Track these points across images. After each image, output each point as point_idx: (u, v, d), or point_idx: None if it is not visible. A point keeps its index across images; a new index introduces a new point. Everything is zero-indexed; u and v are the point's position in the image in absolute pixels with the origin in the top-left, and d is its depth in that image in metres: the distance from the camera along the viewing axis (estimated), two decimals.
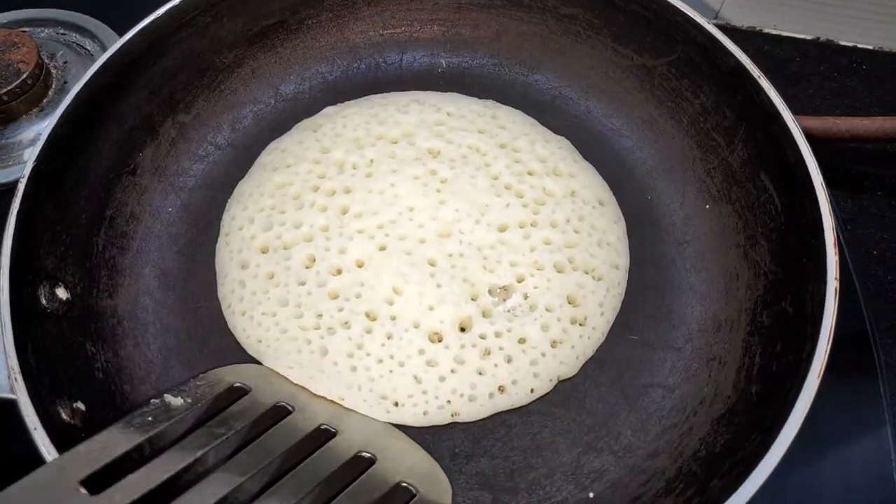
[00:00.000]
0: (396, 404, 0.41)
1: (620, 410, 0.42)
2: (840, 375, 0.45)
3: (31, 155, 0.42)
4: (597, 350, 0.44)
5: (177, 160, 0.51)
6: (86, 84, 0.45)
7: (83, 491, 0.30)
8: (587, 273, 0.45)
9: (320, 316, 0.43)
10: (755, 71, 0.45)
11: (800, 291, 0.40)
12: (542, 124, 0.53)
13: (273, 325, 0.43)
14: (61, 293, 0.42)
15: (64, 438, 0.34)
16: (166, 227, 0.48)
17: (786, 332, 0.40)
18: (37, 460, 0.32)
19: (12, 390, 0.35)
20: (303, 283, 0.44)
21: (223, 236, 0.47)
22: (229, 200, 0.49)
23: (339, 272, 0.44)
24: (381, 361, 0.42)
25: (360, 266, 0.45)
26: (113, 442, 0.32)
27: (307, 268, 0.45)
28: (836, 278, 0.37)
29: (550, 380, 0.42)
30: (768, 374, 0.39)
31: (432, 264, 0.44)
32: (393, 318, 0.43)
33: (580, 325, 0.44)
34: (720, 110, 0.48)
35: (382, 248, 0.45)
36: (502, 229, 0.46)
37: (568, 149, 0.51)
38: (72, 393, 0.38)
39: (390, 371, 0.41)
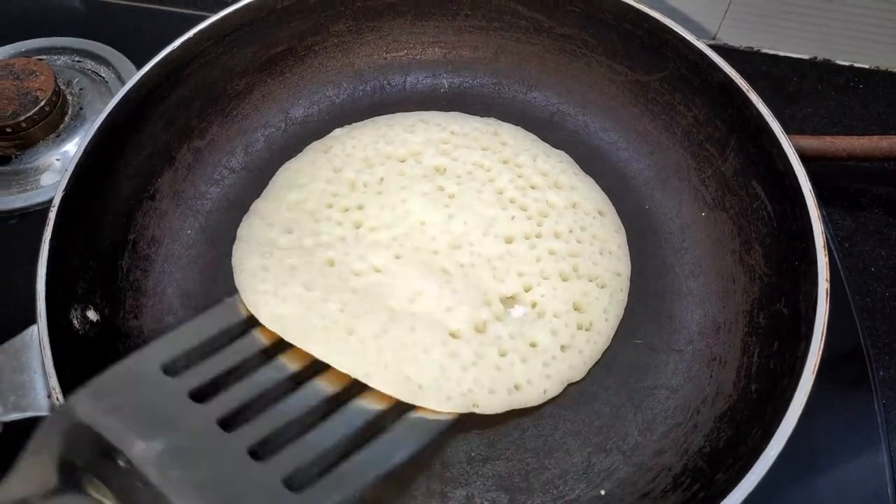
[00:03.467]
0: (421, 387, 0.40)
1: (627, 412, 0.44)
2: (835, 391, 0.47)
3: (59, 184, 0.44)
4: (603, 354, 0.45)
5: (194, 184, 0.53)
6: (107, 116, 0.47)
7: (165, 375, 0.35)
8: (591, 281, 0.47)
9: (345, 303, 0.43)
10: (743, 84, 0.47)
11: (793, 293, 0.42)
12: (542, 140, 0.55)
13: (297, 303, 0.42)
14: (92, 315, 0.44)
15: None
16: (186, 248, 0.50)
17: (782, 332, 0.42)
18: None
19: (52, 409, 0.37)
20: (325, 277, 0.45)
21: (240, 241, 0.48)
22: (244, 217, 0.50)
23: (359, 274, 0.45)
24: (406, 347, 0.42)
25: (378, 271, 0.45)
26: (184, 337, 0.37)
27: (329, 266, 0.45)
28: (826, 279, 0.39)
29: (561, 382, 0.44)
30: (766, 372, 0.41)
31: (446, 273, 0.45)
32: (413, 314, 0.43)
33: (586, 330, 0.45)
34: (712, 122, 0.51)
35: (398, 257, 0.46)
36: (509, 241, 0.48)
37: (568, 162, 0.53)
38: None
39: (416, 356, 0.41)
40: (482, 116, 0.56)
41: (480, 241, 0.47)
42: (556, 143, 0.55)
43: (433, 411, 0.40)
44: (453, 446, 0.43)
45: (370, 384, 0.39)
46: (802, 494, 0.44)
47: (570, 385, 0.44)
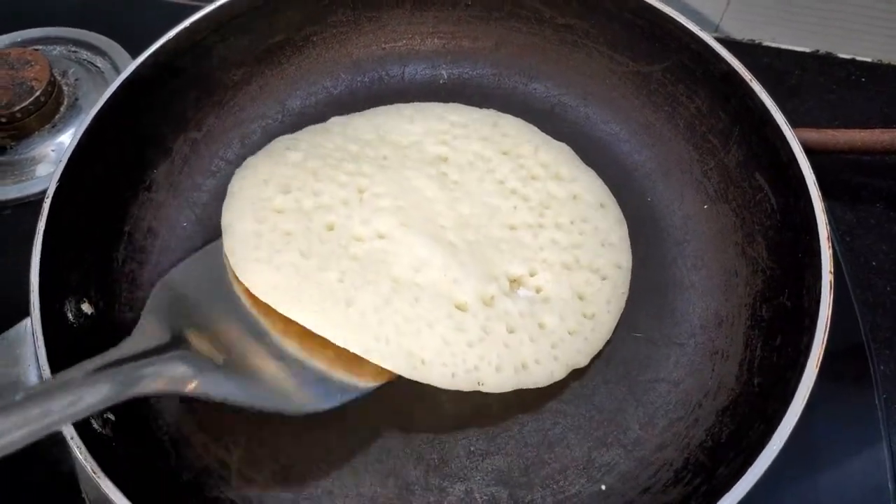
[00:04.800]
0: (424, 362, 0.39)
1: (628, 405, 0.43)
2: (836, 386, 0.46)
3: (53, 175, 0.43)
4: (604, 347, 0.45)
5: (190, 176, 0.52)
6: (102, 106, 0.46)
7: None
8: (593, 272, 0.46)
9: (344, 272, 0.41)
10: (746, 75, 0.47)
11: (797, 285, 0.41)
12: (543, 131, 0.55)
13: (293, 272, 0.40)
14: (86, 308, 0.43)
15: (97, 446, 0.35)
16: (182, 241, 0.50)
17: (785, 325, 0.41)
18: (70, 467, 0.33)
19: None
20: (324, 243, 0.43)
21: (231, 196, 0.45)
22: (236, 171, 0.47)
23: (361, 240, 0.43)
24: (408, 321, 0.40)
25: (381, 237, 0.44)
26: None
27: (329, 230, 0.43)
28: (830, 271, 0.39)
29: (568, 366, 0.43)
30: (769, 365, 0.41)
31: (453, 245, 0.44)
32: (418, 285, 0.42)
33: (590, 319, 0.44)
34: (715, 113, 0.50)
35: (405, 225, 0.44)
36: (513, 228, 0.47)
37: (569, 154, 0.52)
38: None
39: (419, 330, 0.40)
40: (482, 108, 0.55)
41: (486, 225, 0.46)
42: (557, 135, 0.54)
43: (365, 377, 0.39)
44: (452, 441, 0.42)
45: (369, 359, 0.38)
46: (803, 489, 0.44)
47: (571, 379, 0.44)
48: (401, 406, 0.43)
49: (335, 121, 0.53)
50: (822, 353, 0.37)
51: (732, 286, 0.46)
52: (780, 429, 0.35)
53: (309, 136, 0.50)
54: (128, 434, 0.38)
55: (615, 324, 0.45)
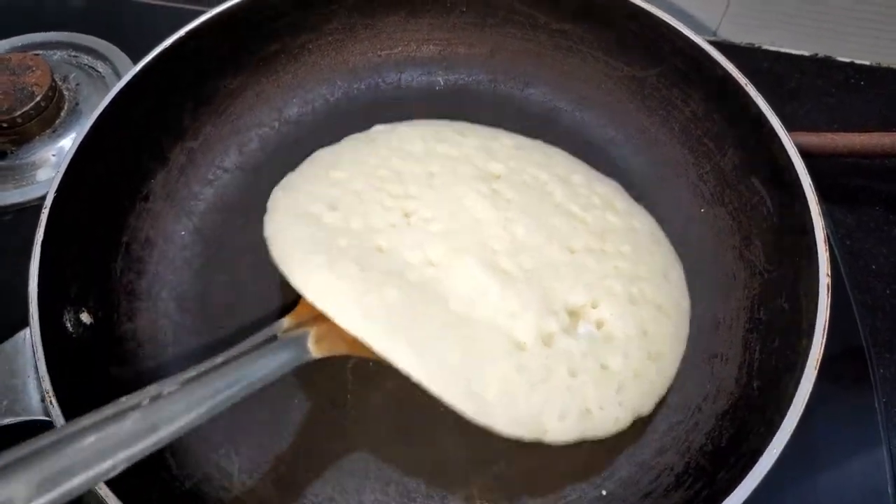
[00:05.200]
0: (487, 402, 0.36)
1: None
2: (835, 389, 0.46)
3: (51, 183, 0.43)
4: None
5: (187, 185, 0.52)
6: (98, 116, 0.46)
7: None
8: (658, 309, 0.43)
9: (405, 293, 0.38)
10: (741, 79, 0.47)
11: (794, 288, 0.42)
12: (537, 136, 0.54)
13: (356, 280, 0.37)
14: (85, 318, 0.43)
15: None
16: (180, 250, 0.50)
17: (783, 328, 0.41)
18: None
19: (46, 413, 0.36)
20: (381, 262, 0.40)
21: (276, 210, 0.43)
22: (275, 188, 0.45)
23: (413, 266, 0.40)
24: (469, 353, 0.37)
25: (433, 265, 0.40)
26: None
27: (380, 252, 0.40)
28: (828, 273, 0.39)
29: (633, 412, 0.40)
30: (768, 368, 0.41)
31: (507, 274, 0.41)
32: (474, 319, 0.39)
33: (654, 360, 0.42)
34: (710, 117, 0.50)
35: (456, 251, 0.41)
36: (573, 251, 0.43)
37: (621, 190, 0.50)
38: None
39: (480, 365, 0.37)
40: (482, 116, 0.55)
41: (544, 247, 0.43)
42: (553, 140, 0.54)
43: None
44: (453, 448, 0.42)
45: (432, 390, 0.36)
46: (802, 492, 0.44)
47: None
48: (401, 413, 0.43)
49: (378, 129, 0.51)
50: (821, 355, 0.37)
51: (730, 289, 0.46)
52: (779, 433, 0.35)
53: (351, 150, 0.48)
54: None
55: (677, 368, 0.43)
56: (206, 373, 0.33)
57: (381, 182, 0.45)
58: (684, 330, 0.44)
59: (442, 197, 0.44)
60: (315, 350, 0.37)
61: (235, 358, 0.35)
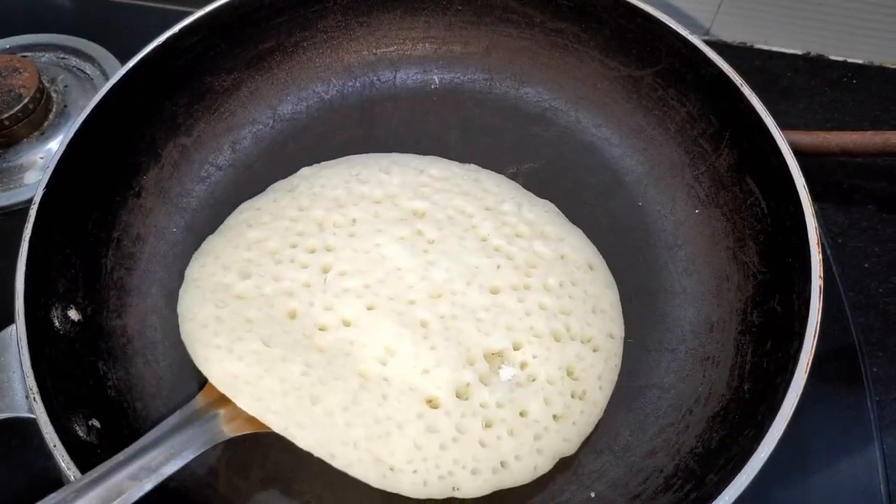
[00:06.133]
0: (393, 469, 0.37)
1: (618, 411, 0.43)
2: (828, 388, 0.46)
3: (40, 181, 0.43)
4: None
5: (179, 182, 0.52)
6: (90, 112, 0.46)
7: None
8: (584, 343, 0.43)
9: (309, 366, 0.38)
10: (737, 79, 0.47)
11: (787, 290, 0.41)
12: (533, 136, 0.54)
13: (255, 361, 0.38)
14: (73, 314, 0.43)
15: (82, 454, 0.35)
16: (171, 247, 0.50)
17: (775, 330, 0.41)
18: (56, 476, 0.33)
19: (31, 410, 0.36)
20: (288, 333, 0.40)
21: (190, 282, 0.43)
22: (195, 254, 0.46)
23: (325, 329, 0.41)
24: (378, 422, 0.37)
25: (347, 325, 0.41)
26: None
27: (291, 319, 0.41)
28: (820, 276, 0.39)
29: (553, 457, 0.39)
30: (760, 371, 0.41)
31: (424, 325, 0.41)
32: (386, 380, 0.39)
33: (580, 398, 0.41)
34: (706, 118, 0.50)
35: (371, 308, 0.41)
36: (495, 291, 0.43)
37: (555, 212, 0.49)
38: (86, 411, 0.40)
39: (388, 433, 0.37)
40: (478, 115, 0.55)
41: (464, 291, 0.43)
42: (548, 139, 0.54)
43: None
44: None
45: (334, 465, 0.37)
46: (795, 492, 0.44)
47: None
48: None
49: (304, 173, 0.50)
50: (812, 358, 0.36)
51: (724, 291, 0.46)
52: (768, 435, 0.34)
53: (272, 202, 0.48)
54: (113, 441, 0.38)
55: (606, 403, 0.42)
56: (107, 474, 0.33)
57: (300, 237, 0.45)
58: (615, 360, 0.43)
59: (361, 247, 0.44)
60: (227, 429, 0.38)
61: (139, 453, 0.35)
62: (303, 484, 0.41)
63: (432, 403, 0.39)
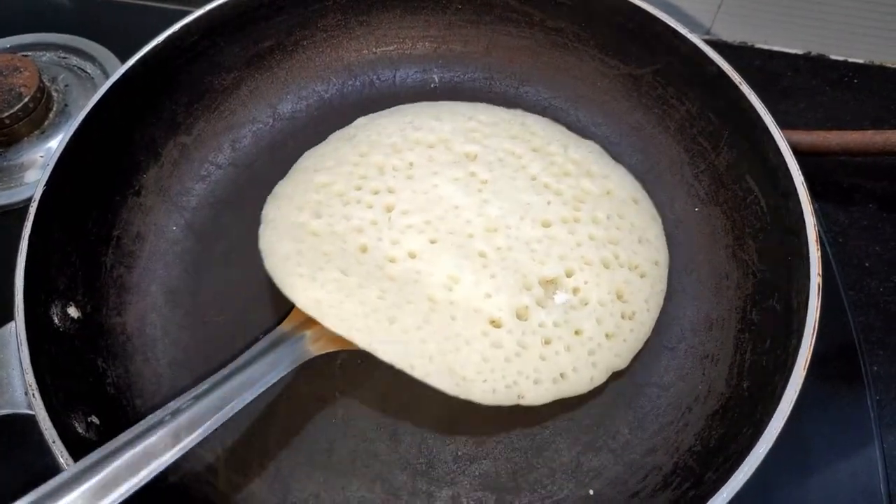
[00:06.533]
0: (465, 379, 0.40)
1: (617, 410, 0.43)
2: (828, 387, 0.46)
3: (41, 179, 0.43)
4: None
5: (179, 180, 0.52)
6: (90, 110, 0.46)
7: None
8: (632, 269, 0.46)
9: (384, 291, 0.42)
10: (736, 77, 0.47)
11: (786, 288, 0.41)
12: None
13: (336, 289, 0.41)
14: (73, 312, 0.43)
15: (81, 450, 0.35)
16: (171, 245, 0.50)
17: (774, 328, 0.41)
18: (55, 472, 0.33)
19: (30, 406, 0.36)
20: (361, 264, 0.43)
21: (267, 223, 0.46)
22: (269, 197, 0.48)
23: (394, 261, 0.44)
24: (448, 339, 0.41)
25: (413, 257, 0.44)
26: None
27: (363, 252, 0.44)
28: (818, 274, 0.39)
29: (607, 370, 0.43)
30: (759, 369, 0.41)
31: (483, 256, 0.44)
32: (452, 303, 0.42)
33: (629, 319, 0.44)
34: (705, 116, 0.50)
35: (433, 242, 0.45)
36: (546, 225, 0.46)
37: (598, 152, 0.52)
38: (86, 408, 0.40)
39: (458, 348, 0.41)
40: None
41: (517, 225, 0.46)
42: None
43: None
44: (440, 445, 0.42)
45: (414, 375, 0.40)
46: (795, 491, 0.44)
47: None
48: (388, 411, 0.43)
49: (360, 123, 0.53)
50: (810, 355, 0.36)
51: (723, 289, 0.46)
52: (766, 433, 0.34)
53: (334, 149, 0.51)
54: (112, 437, 0.38)
55: (654, 322, 0.45)
56: (217, 384, 0.37)
57: (363, 180, 0.48)
58: (661, 285, 0.46)
59: (419, 188, 0.47)
60: (313, 349, 0.41)
61: (240, 368, 0.38)
62: (300, 482, 0.41)
63: (495, 323, 0.42)
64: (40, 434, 0.35)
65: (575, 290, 0.44)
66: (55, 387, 0.38)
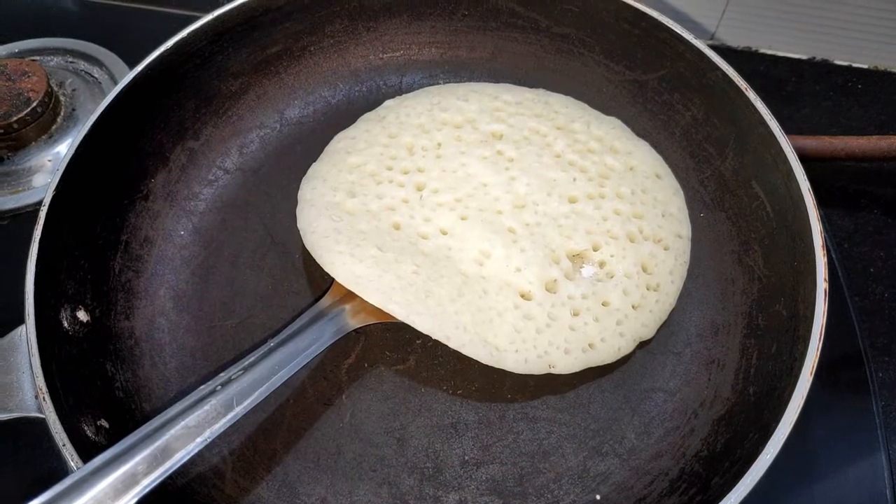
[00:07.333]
0: (498, 349, 0.42)
1: (624, 415, 0.43)
2: (833, 393, 0.46)
3: (51, 183, 0.43)
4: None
5: (187, 185, 0.53)
6: (99, 115, 0.47)
7: None
8: (656, 243, 0.47)
9: (419, 266, 0.43)
10: (741, 83, 0.47)
11: (792, 294, 0.41)
12: None
13: (374, 264, 0.43)
14: (82, 316, 0.43)
15: (91, 454, 0.35)
16: (179, 249, 0.50)
17: (780, 334, 0.41)
18: (64, 476, 0.33)
19: (40, 410, 0.36)
20: (396, 241, 0.45)
21: (304, 202, 0.48)
22: (304, 178, 0.50)
23: (426, 238, 0.46)
24: (481, 310, 0.42)
25: (444, 234, 0.46)
26: None
27: (397, 230, 0.46)
28: (825, 279, 0.39)
29: (634, 340, 0.44)
30: (765, 374, 0.41)
31: (512, 231, 0.46)
32: (484, 278, 0.44)
33: (654, 290, 0.45)
34: (710, 122, 0.50)
35: (464, 219, 0.46)
36: (573, 201, 0.47)
37: (621, 128, 0.53)
38: (95, 412, 0.40)
39: (490, 320, 0.42)
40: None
41: (545, 201, 0.47)
42: None
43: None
44: (447, 450, 0.42)
45: (450, 345, 0.41)
46: (800, 497, 0.44)
47: (566, 387, 0.44)
48: (394, 415, 0.43)
49: (388, 105, 0.54)
50: (817, 361, 0.36)
51: (729, 295, 0.46)
52: (773, 438, 0.34)
53: (364, 131, 0.52)
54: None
55: (678, 294, 0.46)
56: (265, 355, 0.40)
57: (393, 161, 0.50)
58: (684, 257, 0.47)
59: (448, 167, 0.49)
60: (353, 321, 0.43)
61: (286, 340, 0.41)
62: (307, 486, 0.41)
63: (526, 296, 0.44)
64: (50, 437, 0.35)
65: (601, 264, 0.45)
66: (65, 390, 0.38)
